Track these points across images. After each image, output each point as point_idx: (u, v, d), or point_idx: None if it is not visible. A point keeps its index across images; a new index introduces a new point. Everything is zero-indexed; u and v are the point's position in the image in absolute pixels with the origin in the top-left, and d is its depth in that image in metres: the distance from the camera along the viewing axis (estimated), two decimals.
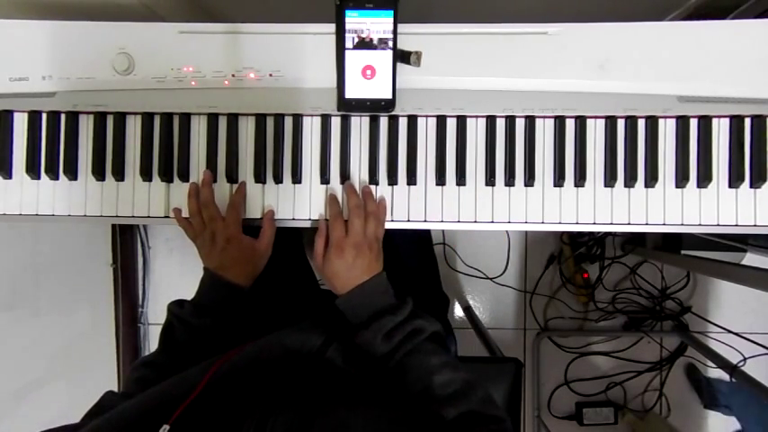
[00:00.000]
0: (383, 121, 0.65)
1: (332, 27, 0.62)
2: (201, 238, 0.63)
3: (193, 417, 0.40)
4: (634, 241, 1.47)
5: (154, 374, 0.58)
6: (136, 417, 0.42)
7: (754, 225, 0.63)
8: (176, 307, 0.61)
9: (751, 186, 0.64)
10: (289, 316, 0.65)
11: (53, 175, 0.66)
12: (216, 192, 0.65)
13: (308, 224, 0.66)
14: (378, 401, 0.47)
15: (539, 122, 0.65)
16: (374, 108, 0.63)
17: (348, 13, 0.60)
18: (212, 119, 0.65)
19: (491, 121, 0.65)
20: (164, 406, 0.41)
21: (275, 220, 0.65)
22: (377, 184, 0.66)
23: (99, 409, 0.53)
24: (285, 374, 0.49)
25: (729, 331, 1.31)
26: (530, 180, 0.65)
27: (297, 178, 0.66)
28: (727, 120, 0.64)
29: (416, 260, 0.91)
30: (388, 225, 0.65)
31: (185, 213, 0.65)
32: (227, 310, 0.61)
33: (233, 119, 0.65)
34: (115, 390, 0.56)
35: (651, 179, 0.64)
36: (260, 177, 0.65)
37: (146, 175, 0.65)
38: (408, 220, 0.65)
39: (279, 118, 0.65)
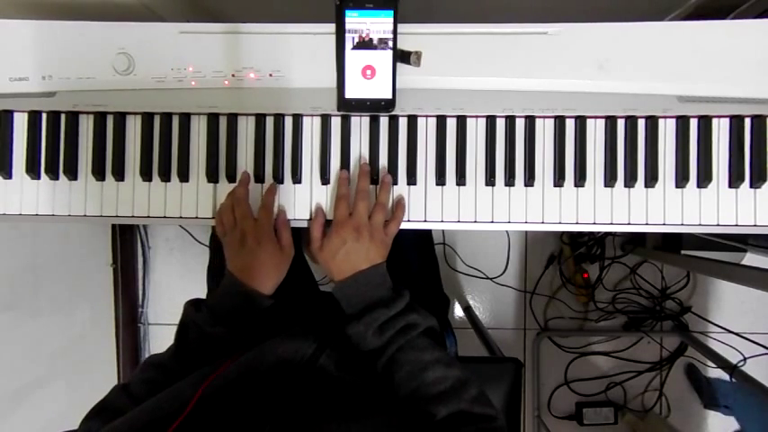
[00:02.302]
0: (383, 121, 0.65)
1: (332, 27, 0.62)
2: (231, 236, 0.61)
3: None
4: (634, 241, 1.47)
5: (162, 378, 0.56)
6: None
7: (754, 225, 0.63)
8: (192, 309, 0.59)
9: (751, 186, 0.64)
10: (285, 320, 0.64)
11: (53, 175, 0.66)
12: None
13: (307, 224, 0.66)
14: (371, 408, 0.46)
15: (539, 122, 0.65)
16: (374, 108, 0.63)
17: (348, 13, 0.60)
18: (212, 119, 0.65)
19: (491, 121, 0.65)
20: (155, 423, 0.40)
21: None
22: (377, 183, 0.65)
23: (104, 404, 0.53)
24: (278, 385, 0.47)
25: (729, 331, 1.31)
26: (530, 180, 0.65)
27: (297, 178, 0.66)
28: (727, 120, 0.64)
29: (417, 260, 0.91)
30: None
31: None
32: (243, 319, 0.58)
33: (233, 119, 0.65)
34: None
35: (651, 179, 0.64)
36: (260, 177, 0.65)
37: (146, 175, 0.65)
38: (408, 220, 0.65)
39: (279, 118, 0.65)
